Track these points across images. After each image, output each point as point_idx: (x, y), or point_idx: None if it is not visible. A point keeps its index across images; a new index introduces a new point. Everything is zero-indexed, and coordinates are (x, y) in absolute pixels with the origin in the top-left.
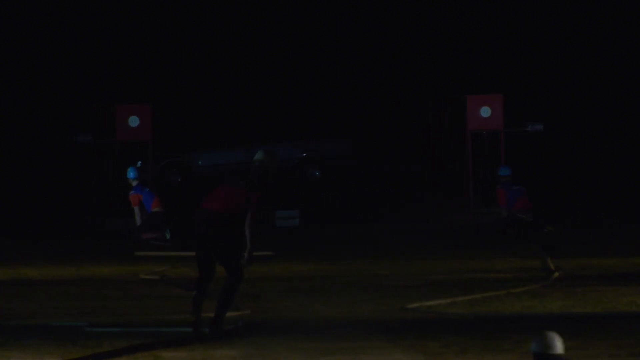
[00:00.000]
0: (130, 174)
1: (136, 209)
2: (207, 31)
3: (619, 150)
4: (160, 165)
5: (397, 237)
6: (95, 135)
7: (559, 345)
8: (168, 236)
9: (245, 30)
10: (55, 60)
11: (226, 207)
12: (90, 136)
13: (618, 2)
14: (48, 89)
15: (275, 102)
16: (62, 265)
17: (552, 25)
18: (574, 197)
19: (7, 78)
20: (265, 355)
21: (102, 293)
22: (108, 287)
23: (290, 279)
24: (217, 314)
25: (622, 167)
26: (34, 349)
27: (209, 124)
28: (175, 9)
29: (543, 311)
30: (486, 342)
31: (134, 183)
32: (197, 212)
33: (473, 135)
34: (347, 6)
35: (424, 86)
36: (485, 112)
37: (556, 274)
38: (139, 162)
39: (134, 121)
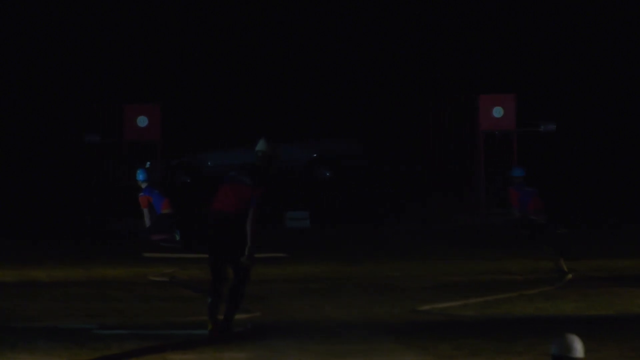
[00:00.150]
0: (140, 176)
1: (145, 211)
2: (217, 31)
3: (634, 151)
4: (170, 165)
5: (408, 238)
6: (103, 135)
7: (579, 348)
8: (178, 237)
9: (254, 32)
10: (63, 60)
11: (237, 207)
12: (98, 136)
13: (632, 1)
14: (56, 89)
15: (285, 102)
16: (70, 266)
17: (566, 24)
18: (588, 198)
19: (15, 78)
20: (275, 358)
21: (111, 295)
22: (116, 289)
23: (300, 281)
24: (226, 316)
25: (636, 167)
26: (42, 351)
27: (218, 124)
28: (184, 9)
29: (556, 313)
30: (498, 345)
31: (144, 185)
32: (209, 214)
33: (485, 135)
34: (354, 8)
35: (435, 86)
36: (498, 112)
37: (569, 276)
38: (148, 163)
39: (142, 121)
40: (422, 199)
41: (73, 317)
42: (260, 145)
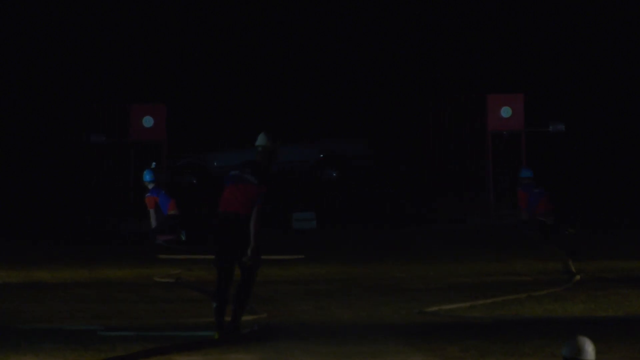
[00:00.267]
0: (147, 176)
1: (152, 212)
2: (223, 31)
3: None
4: (176, 166)
5: (416, 239)
6: (108, 136)
7: (590, 351)
8: (184, 238)
9: (262, 33)
10: (67, 59)
11: (245, 206)
12: (103, 136)
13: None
14: (59, 89)
15: (290, 102)
16: (74, 267)
17: (576, 24)
18: (597, 198)
19: (18, 78)
20: (281, 359)
21: (116, 296)
22: (121, 290)
23: (306, 282)
24: (234, 317)
25: None
26: (47, 353)
27: (224, 125)
28: (191, 9)
29: (564, 314)
30: (506, 346)
31: (150, 186)
32: (217, 215)
33: (493, 135)
34: (362, 9)
35: (442, 87)
36: (506, 112)
37: (578, 277)
38: (153, 164)
39: (148, 121)
40: (430, 199)
41: (78, 319)
42: (261, 140)
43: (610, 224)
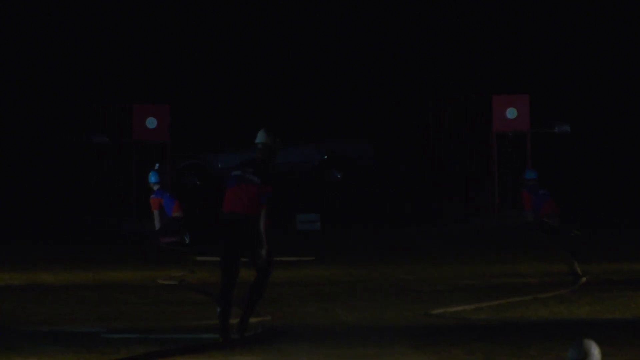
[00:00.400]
0: (152, 178)
1: (156, 213)
2: (227, 32)
3: None
4: (179, 166)
5: (420, 241)
6: (110, 136)
7: (596, 354)
8: (187, 240)
9: (266, 34)
10: (69, 59)
11: (250, 207)
12: (106, 137)
13: None
14: (61, 89)
15: (294, 104)
16: (78, 269)
17: (582, 25)
18: (602, 200)
19: (20, 79)
20: None
21: (119, 298)
22: (125, 292)
23: (311, 284)
24: (242, 318)
25: None
26: (50, 355)
27: (228, 126)
28: (194, 10)
29: (570, 317)
30: (512, 349)
31: (155, 187)
32: (221, 215)
33: (498, 136)
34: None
35: (447, 87)
36: (512, 113)
37: (584, 279)
38: (157, 165)
39: (151, 122)
40: (431, 200)
41: (81, 321)
42: (260, 137)
43: (616, 225)
